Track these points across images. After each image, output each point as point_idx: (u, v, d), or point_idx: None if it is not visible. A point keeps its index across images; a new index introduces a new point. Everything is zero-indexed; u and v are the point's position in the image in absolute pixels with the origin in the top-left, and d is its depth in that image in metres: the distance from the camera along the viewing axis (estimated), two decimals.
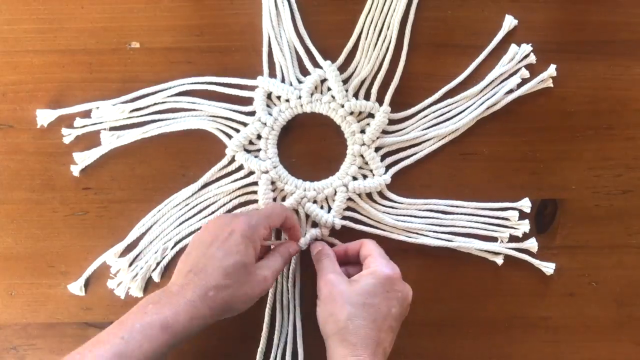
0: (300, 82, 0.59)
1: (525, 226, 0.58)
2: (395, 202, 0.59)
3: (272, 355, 0.58)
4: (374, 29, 0.59)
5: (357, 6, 0.59)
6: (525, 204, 0.59)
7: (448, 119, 0.59)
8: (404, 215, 0.59)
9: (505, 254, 0.59)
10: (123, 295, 0.59)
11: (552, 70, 0.58)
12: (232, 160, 0.59)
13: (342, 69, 0.59)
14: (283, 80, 0.59)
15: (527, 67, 0.59)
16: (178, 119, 0.59)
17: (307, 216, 0.59)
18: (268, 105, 0.59)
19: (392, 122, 0.59)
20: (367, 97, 0.59)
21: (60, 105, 0.59)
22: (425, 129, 0.59)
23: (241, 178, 0.59)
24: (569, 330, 0.60)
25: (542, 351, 0.60)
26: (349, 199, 0.59)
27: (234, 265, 0.48)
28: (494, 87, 0.59)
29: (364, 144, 0.59)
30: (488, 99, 0.58)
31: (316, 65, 0.59)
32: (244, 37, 0.59)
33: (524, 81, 0.58)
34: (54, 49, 0.59)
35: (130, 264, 0.59)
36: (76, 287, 0.59)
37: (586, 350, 0.60)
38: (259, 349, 0.58)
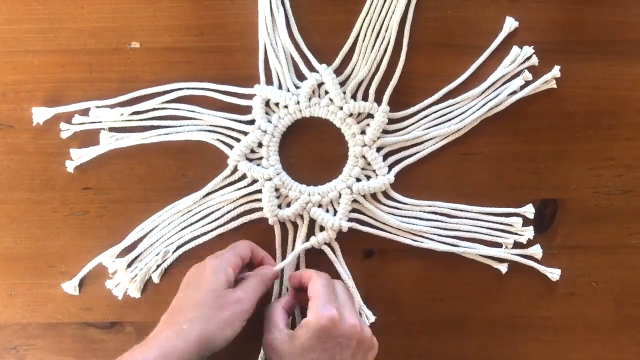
0: (297, 87, 0.59)
1: (529, 233, 0.58)
2: (399, 202, 0.59)
3: None
4: (372, 31, 0.58)
5: (355, 6, 0.59)
6: (529, 210, 0.59)
7: (449, 119, 0.59)
8: (408, 217, 0.59)
9: (510, 260, 0.58)
10: (121, 295, 0.59)
11: (555, 71, 0.58)
12: (235, 169, 0.59)
13: (338, 71, 0.59)
14: (280, 87, 0.59)
15: (529, 68, 0.58)
16: (178, 127, 0.59)
17: (313, 221, 0.59)
18: (267, 113, 0.59)
19: (392, 121, 0.59)
20: (365, 98, 0.59)
21: (59, 105, 0.59)
22: (427, 128, 0.59)
23: (245, 187, 0.59)
24: (569, 330, 0.60)
25: (542, 351, 0.60)
26: (354, 200, 0.59)
27: (205, 294, 0.49)
28: (495, 89, 0.59)
29: (365, 145, 0.59)
30: (491, 100, 0.58)
31: (312, 69, 0.59)
32: (244, 37, 0.59)
33: (527, 82, 0.58)
34: (54, 49, 0.59)
35: (129, 265, 0.59)
36: (70, 287, 0.59)
37: (586, 350, 0.60)
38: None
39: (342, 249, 0.59)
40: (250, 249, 0.55)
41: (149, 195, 0.60)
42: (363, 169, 0.59)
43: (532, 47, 0.58)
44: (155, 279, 0.59)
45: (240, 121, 0.59)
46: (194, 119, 0.59)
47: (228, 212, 0.59)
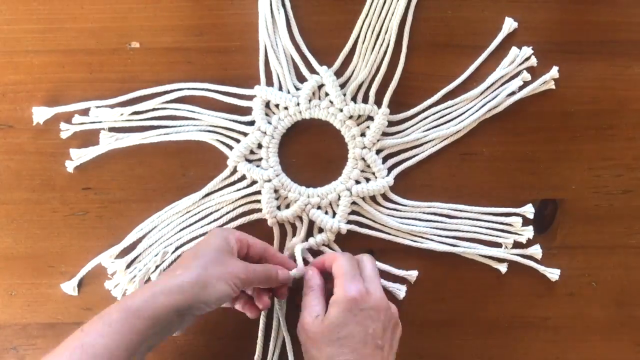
0: (297, 89, 0.59)
1: (529, 232, 0.58)
2: (399, 204, 0.59)
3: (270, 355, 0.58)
4: (372, 33, 0.58)
5: (355, 6, 0.59)
6: (529, 210, 0.59)
7: (449, 121, 0.59)
8: (408, 218, 0.59)
9: (510, 260, 0.58)
10: (120, 296, 0.59)
11: (554, 72, 0.58)
12: (234, 170, 0.59)
13: (339, 73, 0.59)
14: (280, 88, 0.59)
15: (528, 68, 0.58)
16: (177, 127, 0.59)
17: (312, 222, 0.59)
18: (267, 114, 0.59)
19: (391, 123, 0.59)
20: (365, 100, 0.59)
21: (59, 105, 0.59)
22: (426, 130, 0.59)
23: (244, 188, 0.59)
24: (569, 330, 0.60)
25: (542, 351, 0.60)
26: (353, 202, 0.59)
27: (204, 249, 0.50)
28: (494, 90, 0.59)
29: (365, 147, 0.59)
30: (489, 101, 0.58)
31: (313, 71, 0.59)
32: (244, 37, 0.59)
33: (525, 83, 0.58)
34: (54, 49, 0.59)
35: (128, 266, 0.59)
36: (69, 287, 0.59)
37: (586, 350, 0.60)
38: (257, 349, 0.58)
39: (342, 249, 0.59)
40: (263, 249, 0.54)
41: (149, 195, 0.60)
42: (362, 171, 0.59)
43: (532, 47, 0.58)
44: (154, 279, 0.59)
45: (240, 122, 0.59)
46: (194, 119, 0.59)
47: (227, 212, 0.59)
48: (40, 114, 0.58)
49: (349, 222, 0.59)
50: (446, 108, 0.59)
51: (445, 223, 0.59)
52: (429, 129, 0.59)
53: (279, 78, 0.59)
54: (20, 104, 0.59)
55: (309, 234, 0.59)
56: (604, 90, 0.59)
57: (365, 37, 0.59)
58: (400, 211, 0.59)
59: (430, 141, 0.59)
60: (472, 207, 0.59)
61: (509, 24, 0.58)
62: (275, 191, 0.59)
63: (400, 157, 0.59)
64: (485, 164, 0.59)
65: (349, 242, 0.59)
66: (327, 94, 0.59)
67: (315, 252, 0.59)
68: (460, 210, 0.59)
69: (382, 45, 0.58)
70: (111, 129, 0.59)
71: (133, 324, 0.44)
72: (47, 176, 0.60)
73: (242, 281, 0.49)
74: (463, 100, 0.59)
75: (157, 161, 0.60)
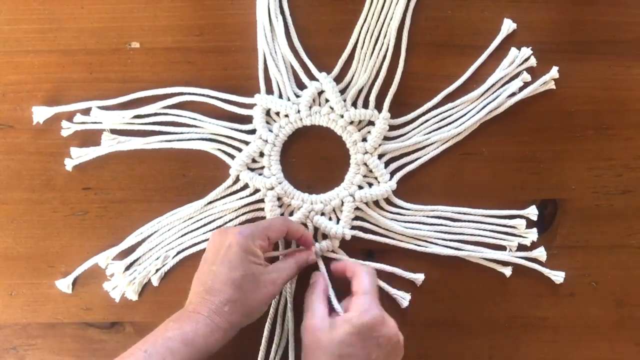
0: (297, 96, 0.59)
1: (533, 235, 0.58)
2: (402, 208, 0.59)
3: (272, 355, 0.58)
4: (370, 38, 0.58)
5: (354, 6, 0.59)
6: (532, 212, 0.59)
7: (449, 123, 0.59)
8: (411, 222, 0.59)
9: (515, 263, 0.58)
10: (118, 298, 0.59)
11: (554, 72, 0.58)
12: (237, 179, 0.59)
13: (338, 78, 0.59)
14: (280, 96, 0.59)
15: (528, 69, 0.58)
16: (179, 134, 0.59)
17: (316, 229, 0.59)
18: (268, 122, 0.59)
19: (393, 127, 0.59)
20: (365, 105, 0.59)
21: (59, 105, 0.59)
22: (427, 133, 0.59)
23: (247, 196, 0.59)
24: (569, 330, 0.60)
25: (542, 351, 0.60)
26: (357, 208, 0.59)
27: (242, 277, 0.50)
28: (494, 91, 0.59)
29: (366, 152, 0.59)
30: (490, 102, 0.58)
31: (312, 77, 0.59)
32: (244, 37, 0.59)
33: (525, 84, 0.58)
34: (54, 49, 0.59)
35: (127, 269, 0.59)
36: (64, 284, 0.59)
37: (586, 350, 0.60)
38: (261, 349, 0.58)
39: (346, 253, 0.59)
40: (285, 230, 0.54)
41: (149, 195, 0.60)
42: (365, 176, 0.59)
43: (532, 47, 0.58)
44: (155, 282, 0.59)
45: (241, 130, 0.59)
46: (196, 126, 0.59)
47: (230, 220, 0.59)
48: (40, 113, 0.58)
49: (353, 227, 0.59)
50: (447, 110, 0.59)
51: (449, 226, 0.59)
52: (430, 132, 0.59)
53: (278, 86, 0.59)
54: (20, 104, 0.59)
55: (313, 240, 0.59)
56: (604, 90, 0.59)
57: (364, 42, 0.59)
58: (404, 215, 0.59)
59: (431, 144, 0.59)
60: (475, 210, 0.59)
61: (508, 25, 0.58)
62: (279, 199, 0.59)
63: (402, 161, 0.59)
64: (485, 164, 0.59)
65: (354, 248, 0.59)
66: (327, 100, 0.59)
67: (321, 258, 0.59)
68: (464, 213, 0.59)
69: (381, 49, 0.58)
70: (113, 131, 0.59)
71: (191, 355, 0.47)
72: (47, 176, 0.60)
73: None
74: (463, 102, 0.59)
75: (157, 161, 0.60)
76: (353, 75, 0.59)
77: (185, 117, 0.59)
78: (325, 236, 0.59)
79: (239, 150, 0.59)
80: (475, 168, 0.59)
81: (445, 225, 0.59)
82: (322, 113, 0.59)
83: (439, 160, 0.59)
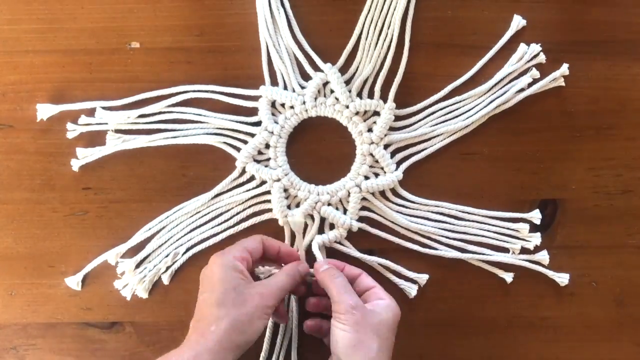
0: (302, 87, 0.59)
1: (536, 239, 0.58)
2: (407, 200, 0.59)
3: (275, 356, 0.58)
4: (374, 29, 0.59)
5: (355, 6, 0.59)
6: (536, 216, 0.59)
7: (456, 117, 0.59)
8: (416, 217, 0.59)
9: (518, 265, 0.58)
10: (129, 296, 0.59)
11: (564, 69, 0.58)
12: (243, 171, 0.59)
13: (343, 69, 0.59)
14: (285, 87, 0.59)
15: (535, 65, 0.58)
16: (184, 130, 0.59)
17: (323, 220, 0.59)
18: (273, 114, 0.59)
19: (398, 118, 0.59)
20: (370, 96, 0.59)
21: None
22: (434, 125, 0.59)
23: (253, 188, 0.59)
24: (569, 330, 0.60)
25: (542, 351, 0.60)
26: (363, 198, 0.59)
27: (222, 293, 0.49)
28: (502, 87, 0.59)
29: (372, 143, 0.59)
30: (498, 97, 0.58)
31: (317, 69, 0.59)
32: (244, 37, 0.59)
33: (534, 80, 0.58)
34: (54, 49, 0.59)
35: (137, 266, 0.59)
36: (73, 282, 0.59)
37: (586, 350, 0.60)
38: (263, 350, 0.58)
39: (353, 245, 0.59)
40: (260, 242, 0.54)
41: (149, 195, 0.60)
42: (371, 166, 0.59)
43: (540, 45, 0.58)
44: (166, 280, 0.59)
45: (246, 123, 0.59)
46: (200, 122, 0.59)
47: (237, 213, 0.59)
48: (45, 110, 0.58)
49: (360, 218, 0.59)
50: (453, 104, 0.59)
51: (453, 225, 0.59)
52: (437, 124, 0.59)
53: (283, 77, 0.59)
54: (20, 104, 0.59)
55: (320, 231, 0.59)
56: (604, 90, 0.59)
57: (368, 33, 0.59)
58: (409, 208, 0.59)
59: (437, 136, 0.59)
60: (479, 210, 0.59)
61: (517, 22, 0.58)
62: (285, 190, 0.59)
63: (408, 152, 0.59)
64: (485, 164, 0.60)
65: (360, 238, 0.59)
66: (332, 91, 0.59)
67: (327, 250, 0.59)
68: (468, 213, 0.59)
69: (385, 40, 0.59)
70: (117, 131, 0.59)
71: None
72: (47, 176, 0.60)
73: (273, 306, 0.50)
74: (471, 97, 0.59)
75: (157, 161, 0.60)
76: (358, 66, 0.59)
77: (189, 113, 0.59)
78: (332, 227, 0.59)
79: (245, 142, 0.59)
80: (475, 168, 0.59)
81: (449, 224, 0.59)
82: (327, 104, 0.59)
83: (439, 160, 0.59)
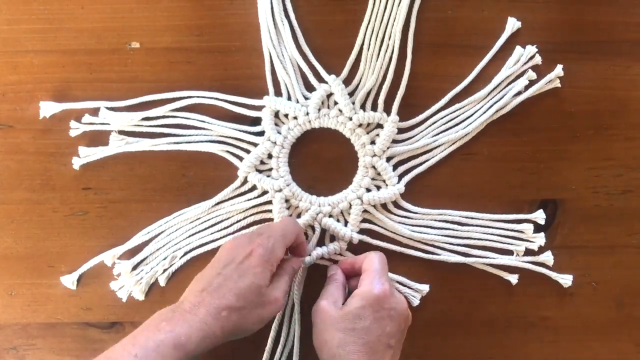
0: (306, 98, 0.59)
1: (540, 240, 0.58)
2: (409, 211, 0.59)
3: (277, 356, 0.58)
4: (376, 39, 0.58)
5: (355, 6, 0.59)
6: (540, 216, 0.58)
7: (456, 124, 0.59)
8: (419, 226, 0.59)
9: (522, 267, 0.58)
10: (125, 298, 0.59)
11: (559, 70, 0.58)
12: (245, 181, 0.59)
13: (346, 80, 0.59)
14: (289, 98, 0.59)
15: (531, 67, 0.58)
16: (187, 136, 0.59)
17: (323, 232, 0.59)
18: (276, 124, 0.59)
19: (401, 130, 0.59)
20: (374, 107, 0.59)
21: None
22: (435, 135, 0.59)
23: (255, 197, 0.59)
24: (569, 330, 0.60)
25: (542, 351, 0.60)
26: (365, 210, 0.59)
27: (248, 287, 0.48)
28: (500, 90, 0.59)
29: (375, 155, 0.59)
30: (496, 102, 0.58)
31: (321, 80, 0.59)
32: (244, 37, 0.59)
33: (530, 82, 0.58)
34: (54, 49, 0.59)
35: (134, 268, 0.59)
36: (69, 281, 0.59)
37: (586, 350, 0.60)
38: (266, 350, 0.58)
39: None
40: (297, 233, 0.54)
41: (149, 195, 0.60)
42: (373, 179, 0.59)
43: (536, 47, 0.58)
44: (162, 282, 0.59)
45: (249, 132, 0.59)
46: (204, 128, 0.59)
47: (238, 221, 0.59)
48: (48, 108, 0.58)
49: (361, 230, 0.59)
50: (454, 111, 0.59)
51: (457, 231, 0.59)
52: (438, 134, 0.59)
53: (287, 87, 0.59)
54: (20, 104, 0.59)
55: (321, 243, 0.59)
56: (604, 90, 0.59)
57: (369, 43, 0.58)
58: (412, 219, 0.59)
59: (439, 146, 0.59)
60: (482, 215, 0.59)
61: (512, 24, 0.58)
62: (286, 201, 0.59)
63: (410, 164, 0.59)
64: (485, 164, 0.59)
65: (361, 251, 0.58)
66: (336, 103, 0.59)
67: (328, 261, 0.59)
68: (471, 218, 0.59)
69: (386, 51, 0.58)
70: (120, 132, 0.59)
71: (179, 358, 0.46)
72: (47, 176, 0.60)
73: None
74: (470, 103, 0.59)
75: (157, 161, 0.60)
76: (361, 78, 0.59)
77: (192, 119, 0.59)
78: (332, 239, 0.59)
79: (247, 152, 0.59)
80: (475, 168, 0.59)
81: (453, 230, 0.59)
82: (330, 115, 0.59)
83: (439, 161, 0.59)
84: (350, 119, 0.58)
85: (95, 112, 0.59)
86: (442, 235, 0.59)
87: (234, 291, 0.48)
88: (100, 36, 0.59)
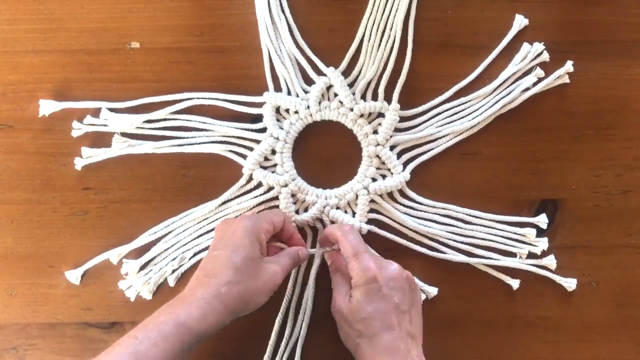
0: (306, 92, 0.59)
1: (543, 244, 0.58)
2: (415, 201, 0.59)
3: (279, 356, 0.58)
4: (377, 30, 0.59)
5: (355, 6, 0.59)
6: (542, 220, 0.58)
7: (461, 118, 0.59)
8: (424, 219, 0.59)
9: (525, 270, 0.58)
10: (133, 297, 0.59)
11: (568, 66, 0.58)
12: (250, 178, 0.59)
13: (345, 72, 0.59)
14: (289, 93, 0.59)
15: (538, 64, 0.59)
16: (190, 138, 0.59)
17: (332, 223, 0.59)
18: (278, 119, 0.59)
19: (403, 119, 0.59)
20: (374, 97, 0.59)
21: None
22: (439, 126, 0.59)
23: (261, 194, 0.59)
24: (569, 330, 0.60)
25: (542, 351, 0.60)
26: (371, 200, 0.59)
27: (242, 259, 0.50)
28: (507, 86, 0.59)
29: (378, 144, 0.59)
30: (504, 97, 0.58)
31: (320, 73, 0.59)
32: (244, 37, 0.59)
33: (538, 79, 0.58)
34: (54, 49, 0.59)
35: (142, 268, 0.59)
36: (73, 276, 0.59)
37: (586, 350, 0.60)
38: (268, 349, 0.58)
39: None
40: (283, 220, 0.55)
41: (149, 195, 0.60)
42: (378, 168, 0.59)
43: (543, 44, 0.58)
44: (172, 282, 0.59)
45: (251, 130, 0.59)
46: (205, 129, 0.59)
47: None
48: (47, 107, 0.58)
49: (369, 221, 0.59)
50: (459, 105, 0.59)
51: (461, 228, 0.59)
52: (442, 125, 0.59)
53: (286, 83, 0.59)
54: (20, 104, 0.59)
55: None
56: (604, 90, 0.59)
57: (370, 35, 0.59)
58: (417, 210, 0.59)
59: (443, 136, 0.59)
60: (486, 214, 0.59)
61: (520, 21, 0.58)
62: (293, 195, 0.59)
63: (414, 152, 0.59)
64: (485, 164, 0.59)
65: (369, 240, 0.58)
66: (336, 95, 0.59)
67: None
68: (475, 217, 0.59)
69: (387, 41, 0.58)
70: (123, 134, 0.59)
71: (184, 339, 0.46)
72: (47, 176, 0.60)
73: (279, 285, 0.51)
74: (476, 97, 0.59)
75: (157, 161, 0.60)
76: (361, 69, 0.59)
77: (194, 121, 0.59)
78: None
79: (250, 149, 0.59)
80: (475, 168, 0.59)
81: (457, 227, 0.59)
82: (331, 107, 0.59)
83: (439, 160, 0.59)
84: (352, 109, 0.58)
85: (96, 112, 0.59)
86: (446, 231, 0.59)
87: (227, 266, 0.49)
88: (100, 36, 0.59)
